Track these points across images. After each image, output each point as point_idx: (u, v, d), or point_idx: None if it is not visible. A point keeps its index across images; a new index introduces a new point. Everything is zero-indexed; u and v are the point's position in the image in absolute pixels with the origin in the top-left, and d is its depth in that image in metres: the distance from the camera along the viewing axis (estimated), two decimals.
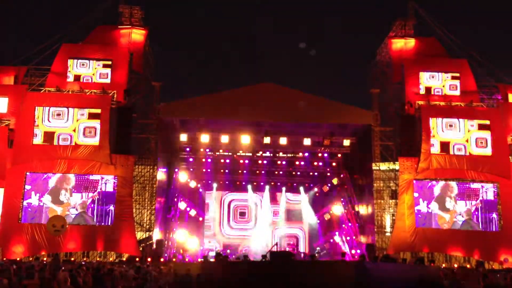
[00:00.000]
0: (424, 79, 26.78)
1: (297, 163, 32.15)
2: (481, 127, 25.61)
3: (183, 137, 28.61)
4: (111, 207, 23.89)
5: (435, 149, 25.36)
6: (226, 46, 58.98)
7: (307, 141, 28.83)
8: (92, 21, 26.83)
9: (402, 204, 25.22)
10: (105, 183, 24.17)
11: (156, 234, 26.19)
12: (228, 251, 31.68)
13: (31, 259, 22.75)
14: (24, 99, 24.30)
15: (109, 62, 25.57)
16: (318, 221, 34.31)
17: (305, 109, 26.34)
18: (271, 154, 31.30)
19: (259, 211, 34.50)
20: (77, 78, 25.29)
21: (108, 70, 25.46)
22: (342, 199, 32.15)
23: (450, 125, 25.64)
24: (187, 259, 28.70)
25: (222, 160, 31.42)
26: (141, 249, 24.85)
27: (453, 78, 26.77)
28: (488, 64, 27.05)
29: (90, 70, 25.45)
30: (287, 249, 32.55)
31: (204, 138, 28.37)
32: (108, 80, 25.35)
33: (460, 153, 25.32)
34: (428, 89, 26.64)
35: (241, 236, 34.36)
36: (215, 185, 33.68)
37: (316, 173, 33.27)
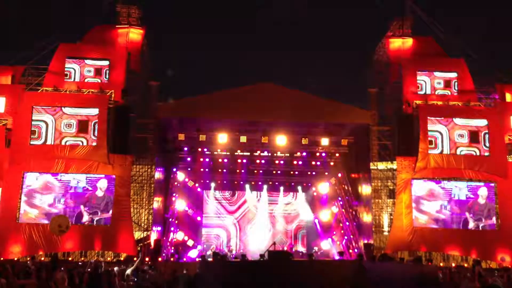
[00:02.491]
0: (421, 79, 26.81)
1: (294, 162, 32.17)
2: (479, 126, 25.67)
3: (181, 137, 28.59)
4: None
5: (433, 148, 25.41)
6: (224, 45, 59.04)
7: (304, 141, 28.89)
8: (90, 20, 26.83)
9: (400, 203, 25.27)
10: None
11: (154, 234, 26.19)
12: (226, 250, 31.67)
13: (28, 258, 22.75)
14: (22, 99, 24.23)
15: (107, 62, 25.54)
16: (316, 221, 34.34)
17: (303, 109, 26.40)
18: (269, 154, 31.32)
19: (256, 210, 34.48)
20: (74, 77, 25.24)
21: (106, 70, 25.44)
22: (339, 199, 32.20)
23: (448, 124, 25.69)
24: (185, 259, 28.74)
25: (220, 160, 31.42)
26: (139, 248, 24.83)
27: (451, 77, 26.82)
28: (486, 64, 27.13)
29: (87, 70, 25.42)
30: (285, 248, 32.62)
31: (202, 137, 28.40)
32: (105, 80, 25.34)
33: (458, 153, 25.38)
34: (425, 89, 26.68)
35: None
36: (213, 184, 33.68)
37: (314, 173, 33.29)
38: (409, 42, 28.33)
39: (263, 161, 31.97)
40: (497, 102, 26.66)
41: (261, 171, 33.05)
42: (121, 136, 24.84)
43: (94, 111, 24.35)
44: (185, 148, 30.20)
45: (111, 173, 24.18)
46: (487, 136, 25.48)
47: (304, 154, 31.13)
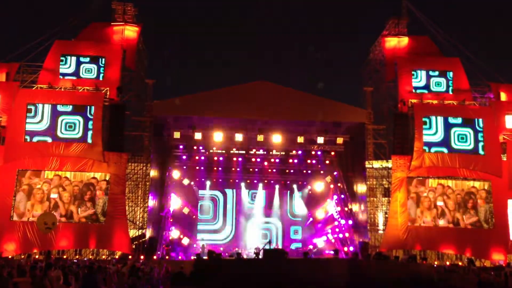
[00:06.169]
0: (417, 77, 26.85)
1: (290, 161, 32.16)
2: (474, 125, 25.74)
3: (177, 135, 28.53)
4: None
5: (428, 147, 25.48)
6: (221, 44, 58.92)
7: (300, 139, 28.90)
8: (85, 18, 26.67)
9: (395, 202, 25.34)
10: None
11: (149, 232, 26.13)
12: (221, 248, 31.62)
13: (23, 256, 22.65)
14: (16, 96, 24.09)
15: (102, 59, 25.41)
16: (311, 219, 34.36)
17: (299, 107, 26.44)
18: (265, 152, 31.31)
19: (252, 208, 34.43)
20: (69, 75, 25.11)
21: (101, 67, 25.31)
22: (335, 197, 32.23)
23: (443, 123, 25.75)
24: (180, 257, 28.69)
25: (215, 158, 31.37)
26: (134, 246, 24.78)
27: (446, 76, 26.87)
28: (481, 63, 27.19)
29: (83, 67, 25.27)
30: (279, 246, 32.60)
31: (198, 135, 28.38)
32: (101, 77, 25.20)
33: (453, 151, 25.46)
34: (421, 88, 26.73)
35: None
36: (208, 182, 33.60)
37: (309, 171, 33.29)
38: (404, 41, 28.38)
39: (258, 160, 31.95)
40: (492, 101, 26.76)
41: (256, 170, 33.03)
42: (116, 134, 24.77)
43: (89, 109, 24.23)
44: (181, 146, 30.14)
45: (106, 171, 24.10)
46: (482, 135, 25.55)
47: (300, 152, 31.16)
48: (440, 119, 25.68)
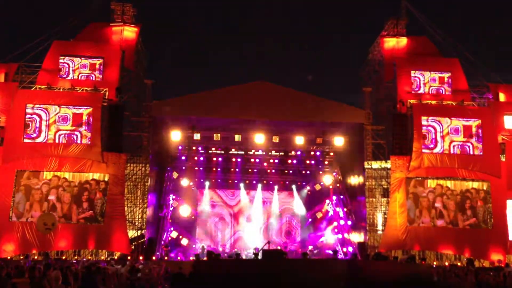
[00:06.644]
0: (415, 78, 26.87)
1: (289, 161, 32.18)
2: (472, 126, 25.77)
3: (176, 135, 28.53)
4: None
5: (427, 147, 25.50)
6: (221, 44, 58.93)
7: (299, 140, 28.91)
8: (84, 18, 26.66)
9: (394, 202, 25.34)
10: None
11: (148, 233, 26.11)
12: (220, 249, 31.64)
13: (21, 257, 22.63)
14: (15, 97, 24.07)
15: (101, 60, 25.37)
16: (310, 220, 34.37)
17: (298, 107, 26.45)
18: (264, 153, 31.32)
19: (251, 209, 34.42)
20: (68, 75, 25.09)
21: (100, 68, 25.30)
22: (334, 197, 32.26)
23: (441, 124, 25.77)
24: (179, 257, 28.69)
25: (214, 158, 31.37)
26: (133, 247, 24.76)
27: (445, 77, 26.90)
28: (480, 64, 27.24)
29: (81, 68, 25.26)
30: (278, 247, 32.58)
31: (197, 136, 28.37)
32: (99, 78, 25.18)
33: (452, 152, 25.49)
34: (419, 88, 26.74)
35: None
36: (207, 183, 33.59)
37: (308, 172, 33.32)
38: (403, 41, 28.41)
39: (257, 160, 31.96)
40: (491, 102, 26.80)
41: (255, 170, 33.04)
42: (115, 135, 24.72)
43: (88, 109, 24.21)
44: (180, 147, 30.13)
45: (105, 171, 24.08)
46: (480, 135, 25.60)
47: (299, 153, 31.17)
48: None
